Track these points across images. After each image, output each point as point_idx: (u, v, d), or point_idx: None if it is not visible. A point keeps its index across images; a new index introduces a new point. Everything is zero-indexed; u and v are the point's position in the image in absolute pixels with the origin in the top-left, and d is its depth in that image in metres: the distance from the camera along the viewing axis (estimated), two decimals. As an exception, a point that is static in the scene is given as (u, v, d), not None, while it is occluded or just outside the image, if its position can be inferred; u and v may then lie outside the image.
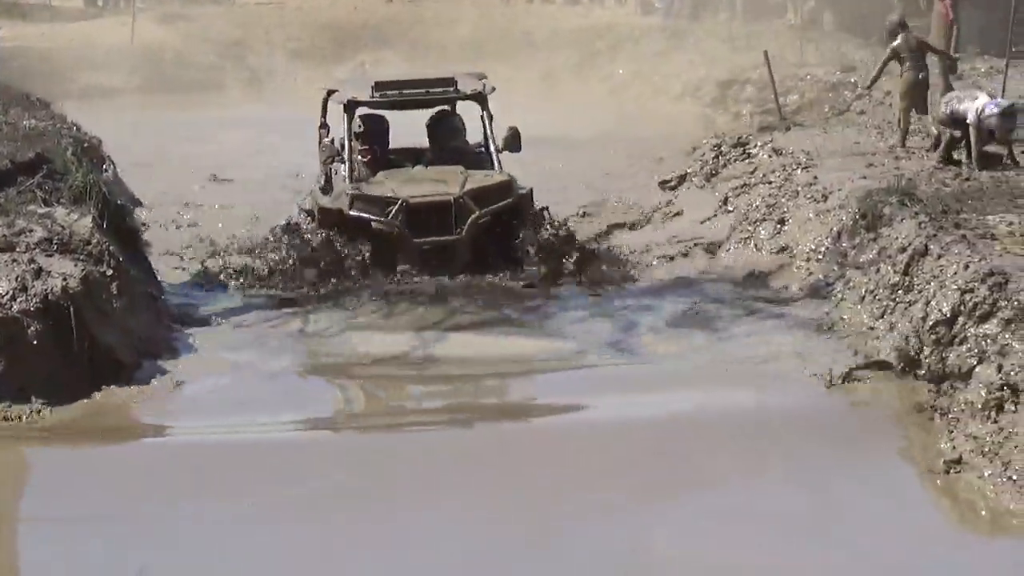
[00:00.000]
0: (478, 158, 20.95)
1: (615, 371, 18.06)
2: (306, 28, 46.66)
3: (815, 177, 23.20)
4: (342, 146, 20.75)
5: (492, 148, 20.33)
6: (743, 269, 21.89)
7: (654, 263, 22.75)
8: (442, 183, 19.44)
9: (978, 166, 22.31)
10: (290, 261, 19.38)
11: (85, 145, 24.47)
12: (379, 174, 20.31)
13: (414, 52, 42.84)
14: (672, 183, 26.69)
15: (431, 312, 18.48)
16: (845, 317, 18.97)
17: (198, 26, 45.16)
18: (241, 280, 19.90)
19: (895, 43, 26.81)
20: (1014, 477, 12.59)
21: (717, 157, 27.27)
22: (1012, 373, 14.35)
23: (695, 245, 23.31)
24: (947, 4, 28.11)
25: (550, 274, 19.67)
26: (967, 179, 21.69)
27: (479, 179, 19.57)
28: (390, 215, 19.09)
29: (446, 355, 17.40)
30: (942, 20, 28.18)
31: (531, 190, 20.38)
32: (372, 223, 19.26)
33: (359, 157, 21.00)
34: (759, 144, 26.98)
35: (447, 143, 21.02)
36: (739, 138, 27.20)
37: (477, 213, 18.75)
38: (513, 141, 20.62)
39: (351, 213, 19.46)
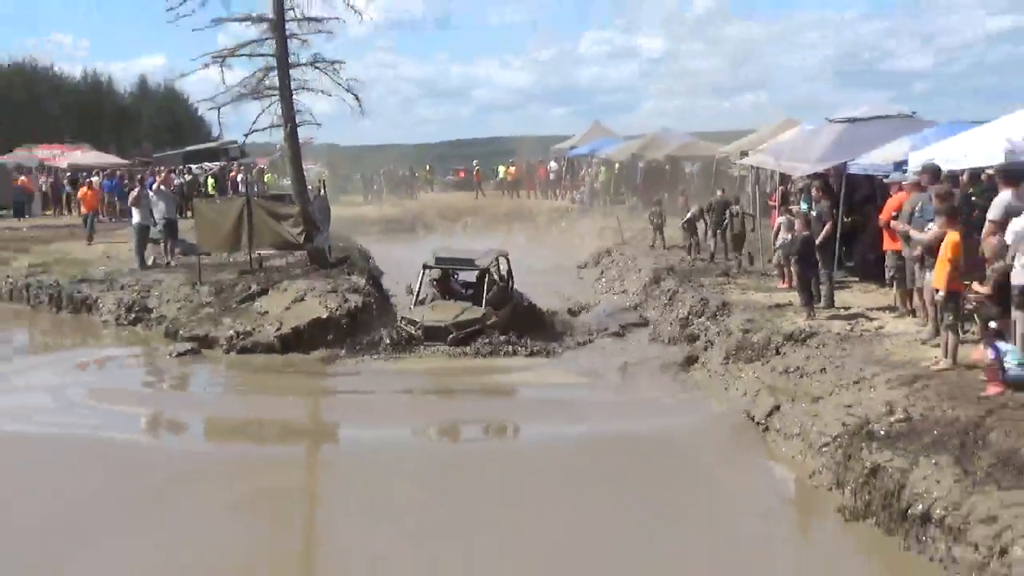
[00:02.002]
0: (500, 293, 18.96)
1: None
2: (444, 208, 45.02)
3: (639, 266, 23.82)
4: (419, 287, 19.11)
5: (484, 297, 18.18)
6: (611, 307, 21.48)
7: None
8: (448, 313, 17.87)
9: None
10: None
11: (362, 252, 25.70)
12: (432, 302, 18.66)
13: (487, 218, 41.31)
14: (584, 266, 27.21)
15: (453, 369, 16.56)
16: (649, 316, 19.98)
17: (407, 207, 45.25)
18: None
19: (653, 209, 26.53)
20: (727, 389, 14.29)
21: (599, 258, 27.22)
22: (714, 338, 16.22)
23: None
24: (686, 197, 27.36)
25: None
26: (694, 264, 22.35)
27: (469, 313, 17.89)
28: (416, 328, 17.70)
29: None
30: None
31: (498, 318, 18.15)
32: (411, 331, 17.74)
33: (434, 289, 19.34)
34: (616, 252, 26.82)
35: (480, 289, 18.70)
36: (608, 250, 27.39)
37: (455, 334, 17.30)
38: (497, 298, 18.73)
39: (401, 325, 18.03)
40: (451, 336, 17.07)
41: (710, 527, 9.98)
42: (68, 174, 39.86)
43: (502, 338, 17.62)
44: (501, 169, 52.70)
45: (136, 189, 25.56)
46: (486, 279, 18.02)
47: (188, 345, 17.86)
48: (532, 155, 53.43)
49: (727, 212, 22.05)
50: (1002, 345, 9.85)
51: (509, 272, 19.05)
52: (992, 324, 10.20)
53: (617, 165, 38.72)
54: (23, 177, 40.72)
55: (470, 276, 20.12)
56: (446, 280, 18.38)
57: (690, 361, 16.27)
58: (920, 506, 8.52)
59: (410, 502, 10.96)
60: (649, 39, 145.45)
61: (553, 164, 48.31)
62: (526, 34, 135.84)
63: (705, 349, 16.39)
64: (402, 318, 18.11)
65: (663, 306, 19.63)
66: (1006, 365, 9.66)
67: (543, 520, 10.28)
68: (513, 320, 18.33)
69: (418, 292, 18.60)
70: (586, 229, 32.41)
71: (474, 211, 43.39)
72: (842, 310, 15.24)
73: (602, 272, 24.96)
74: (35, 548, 9.66)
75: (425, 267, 18.87)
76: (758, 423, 12.71)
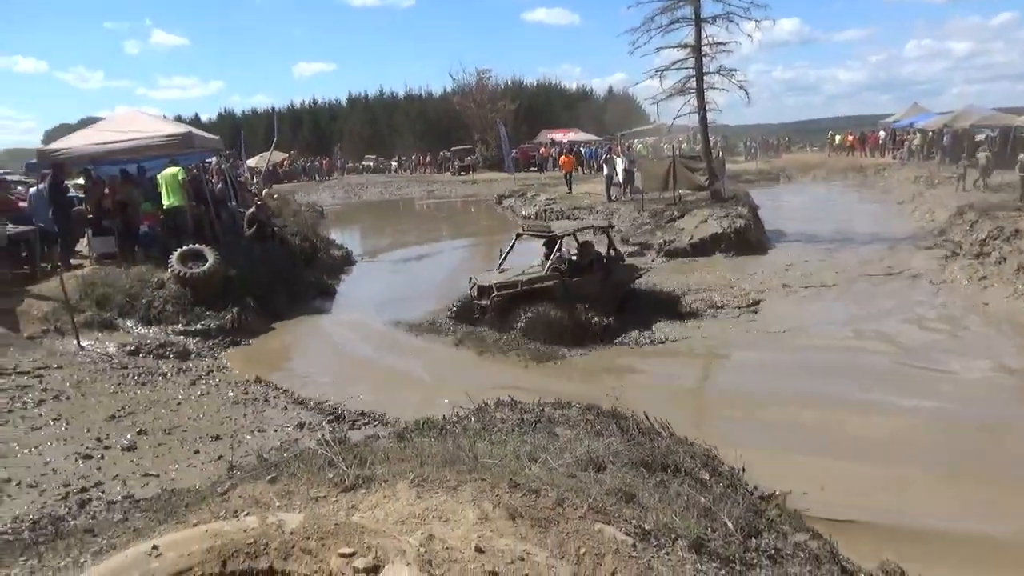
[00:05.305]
0: (577, 264, 11.23)
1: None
2: (799, 163, 40.27)
3: (945, 204, 18.96)
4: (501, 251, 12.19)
5: (548, 263, 10.90)
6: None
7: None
8: (502, 277, 10.91)
9: None
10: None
11: (745, 193, 20.88)
12: (507, 271, 11.38)
13: (828, 170, 36.15)
14: (902, 202, 22.44)
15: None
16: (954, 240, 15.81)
17: (774, 164, 38.57)
18: None
19: (959, 163, 22.06)
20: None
21: (914, 197, 22.22)
22: (1007, 255, 13.34)
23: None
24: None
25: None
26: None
27: (521, 278, 10.75)
28: (472, 285, 10.92)
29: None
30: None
31: (559, 282, 10.61)
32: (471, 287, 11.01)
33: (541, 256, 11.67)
34: (928, 194, 21.85)
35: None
36: (920, 192, 22.39)
37: (496, 293, 10.37)
38: (574, 267, 11.11)
39: (470, 285, 11.10)
40: (493, 295, 10.53)
41: None
42: (567, 146, 41.27)
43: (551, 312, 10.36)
44: (838, 137, 46.94)
45: (604, 156, 26.78)
46: (556, 246, 11.28)
47: (634, 248, 17.77)
48: (864, 127, 47.78)
49: None
50: None
51: (611, 247, 11.86)
52: None
53: (930, 133, 33.33)
54: (543, 148, 43.70)
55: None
56: (551, 249, 11.51)
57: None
58: None
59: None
60: (958, 43, 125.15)
61: (882, 133, 42.45)
62: (862, 45, 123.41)
63: (997, 264, 13.50)
64: (471, 279, 11.48)
65: (964, 232, 16.12)
66: None
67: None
68: (603, 295, 11.04)
69: (504, 257, 11.90)
70: (903, 177, 28.00)
71: (821, 166, 38.88)
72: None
73: (915, 207, 21.05)
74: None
75: (517, 235, 12.02)
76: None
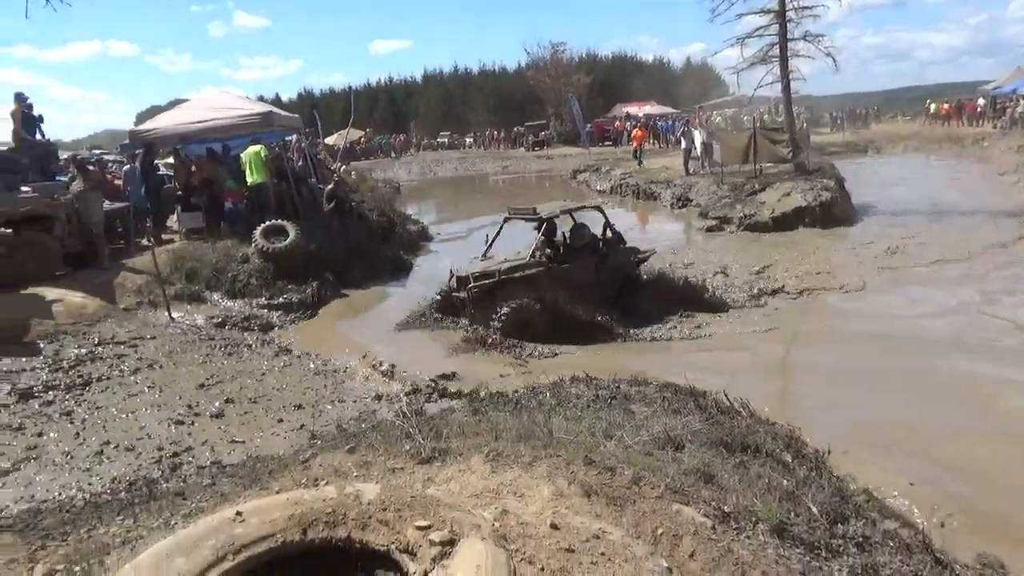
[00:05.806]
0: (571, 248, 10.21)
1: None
2: (890, 134, 37.67)
3: None
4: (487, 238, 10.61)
5: (535, 251, 9.63)
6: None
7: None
8: (477, 267, 9.60)
9: None
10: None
11: (830, 165, 19.84)
12: (492, 259, 9.98)
13: (922, 140, 34.53)
14: (1003, 174, 20.89)
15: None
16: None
17: (861, 135, 37.28)
18: None
19: None
20: None
21: (1017, 168, 20.61)
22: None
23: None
24: None
25: None
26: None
27: (502, 266, 9.43)
28: (452, 276, 9.63)
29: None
30: None
31: (534, 271, 9.36)
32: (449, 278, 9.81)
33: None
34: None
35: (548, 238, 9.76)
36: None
37: (472, 284, 9.09)
38: (566, 253, 10.04)
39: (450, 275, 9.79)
40: (469, 287, 9.32)
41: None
42: (641, 120, 40.42)
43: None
44: (933, 106, 44.38)
45: (682, 129, 26.14)
46: (543, 229, 9.81)
47: (713, 222, 17.51)
48: (961, 94, 45.17)
49: None
50: None
51: (607, 227, 10.43)
52: None
53: (1036, 99, 31.28)
54: (618, 122, 43.06)
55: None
56: (551, 235, 10.10)
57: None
58: None
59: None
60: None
61: (981, 100, 39.82)
62: (960, 6, 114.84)
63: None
64: (451, 271, 10.09)
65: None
66: None
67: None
68: (599, 281, 9.96)
69: (489, 244, 10.41)
70: (1005, 147, 26.01)
71: (913, 136, 36.75)
72: None
73: (1019, 179, 19.53)
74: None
75: (505, 219, 10.47)
76: None
